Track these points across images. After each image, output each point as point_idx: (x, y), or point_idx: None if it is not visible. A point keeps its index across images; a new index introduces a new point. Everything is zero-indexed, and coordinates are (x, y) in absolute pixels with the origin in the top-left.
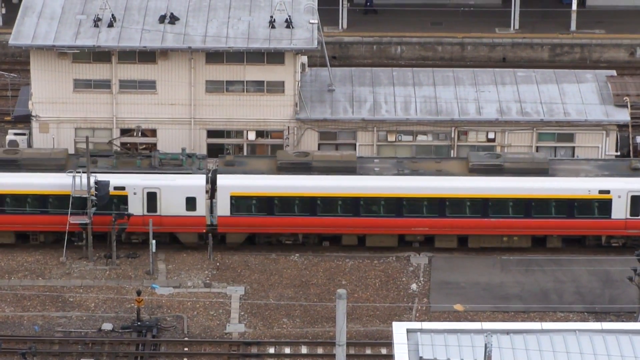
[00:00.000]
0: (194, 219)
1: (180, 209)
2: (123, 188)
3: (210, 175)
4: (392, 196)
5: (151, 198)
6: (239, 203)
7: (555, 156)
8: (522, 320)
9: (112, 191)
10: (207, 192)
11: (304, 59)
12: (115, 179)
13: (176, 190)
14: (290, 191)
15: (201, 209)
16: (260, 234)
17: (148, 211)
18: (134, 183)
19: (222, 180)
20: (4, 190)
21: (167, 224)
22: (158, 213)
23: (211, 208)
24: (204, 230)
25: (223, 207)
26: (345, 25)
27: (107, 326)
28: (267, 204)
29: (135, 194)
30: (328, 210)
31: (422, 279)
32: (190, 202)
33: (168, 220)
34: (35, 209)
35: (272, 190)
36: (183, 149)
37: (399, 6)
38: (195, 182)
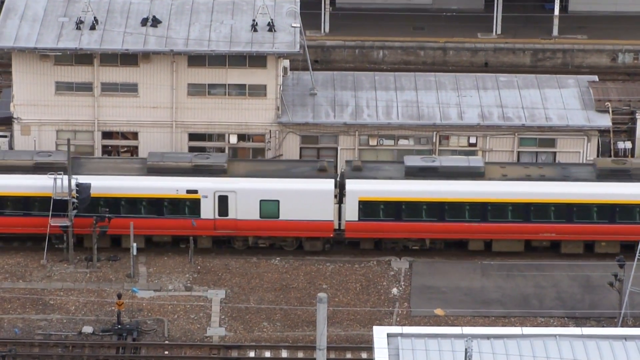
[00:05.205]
0: None
1: None
2: None
3: None
4: None
5: None
6: None
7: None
8: (503, 325)
9: None
10: None
11: (286, 62)
12: None
13: None
14: None
15: None
16: None
17: None
18: None
19: None
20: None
21: None
22: None
23: None
24: None
25: None
26: (327, 29)
27: (87, 329)
28: None
29: None
30: None
31: (402, 283)
32: None
33: None
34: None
35: None
36: None
37: (381, 10)
38: None
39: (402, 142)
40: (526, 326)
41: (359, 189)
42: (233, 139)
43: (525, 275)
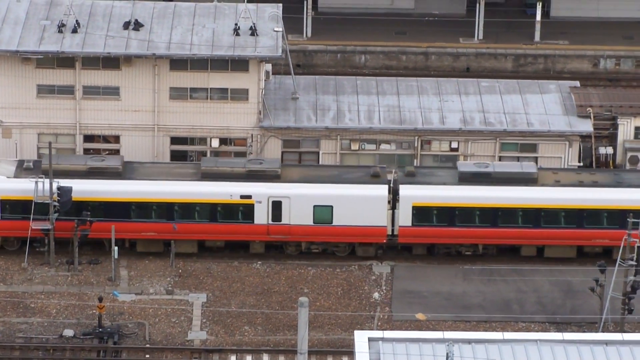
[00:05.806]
0: None
1: None
2: None
3: None
4: None
5: None
6: None
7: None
8: (484, 330)
9: None
10: None
11: (268, 66)
12: None
13: None
14: None
15: None
16: None
17: None
18: None
19: None
20: None
21: None
22: None
23: None
24: None
25: None
26: (309, 34)
27: (68, 332)
28: None
29: None
30: None
31: (384, 287)
32: None
33: None
34: None
35: None
36: None
37: (363, 15)
38: None
39: (383, 146)
40: (507, 331)
41: (413, 194)
42: (215, 143)
43: (507, 280)
